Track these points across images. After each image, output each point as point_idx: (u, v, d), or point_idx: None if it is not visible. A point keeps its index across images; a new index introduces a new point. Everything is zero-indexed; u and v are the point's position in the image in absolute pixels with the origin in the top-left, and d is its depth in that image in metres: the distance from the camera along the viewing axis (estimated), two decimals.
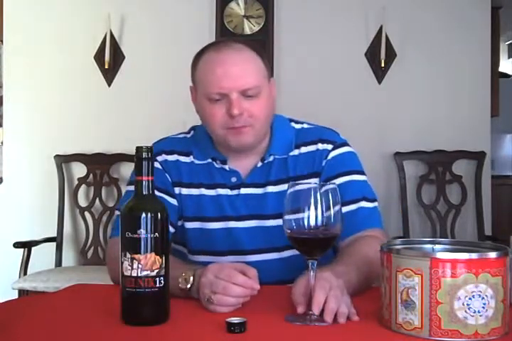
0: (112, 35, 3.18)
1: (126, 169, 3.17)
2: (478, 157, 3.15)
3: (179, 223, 1.44)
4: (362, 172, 1.44)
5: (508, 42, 5.89)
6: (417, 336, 0.89)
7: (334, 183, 1.03)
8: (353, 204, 1.37)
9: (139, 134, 3.10)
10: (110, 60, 3.17)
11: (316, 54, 3.20)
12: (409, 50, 3.17)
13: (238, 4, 3.18)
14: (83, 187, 3.20)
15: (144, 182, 0.99)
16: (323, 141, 1.42)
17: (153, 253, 0.96)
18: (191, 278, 1.12)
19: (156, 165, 1.42)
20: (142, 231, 0.96)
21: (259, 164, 1.41)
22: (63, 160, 3.18)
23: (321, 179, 1.39)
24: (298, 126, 1.47)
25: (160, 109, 3.20)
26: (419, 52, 3.18)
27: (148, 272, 0.96)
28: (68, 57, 3.24)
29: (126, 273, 0.97)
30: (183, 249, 1.48)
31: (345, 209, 1.33)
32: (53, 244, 3.09)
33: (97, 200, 3.17)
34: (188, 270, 1.14)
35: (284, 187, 1.03)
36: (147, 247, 0.96)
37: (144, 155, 0.99)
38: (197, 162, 1.43)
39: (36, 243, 2.98)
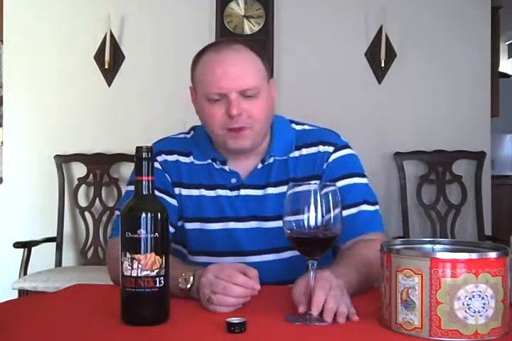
0: (112, 35, 3.18)
1: (126, 169, 3.17)
2: (478, 157, 3.15)
3: (179, 223, 1.44)
4: (363, 175, 1.43)
5: (508, 42, 5.89)
6: (417, 336, 0.89)
7: (335, 185, 1.03)
8: (354, 207, 1.36)
9: (138, 134, 3.10)
10: (110, 60, 3.17)
11: (316, 54, 3.20)
12: (409, 50, 3.17)
13: (238, 4, 3.18)
14: (83, 187, 3.20)
15: (143, 182, 0.99)
16: (324, 143, 1.42)
17: (153, 253, 0.96)
18: (191, 278, 1.12)
19: (156, 165, 1.42)
20: (142, 231, 0.96)
21: (259, 165, 1.40)
22: (63, 160, 3.18)
23: (321, 182, 1.38)
24: (299, 128, 1.46)
25: (160, 109, 3.20)
26: (419, 52, 3.18)
27: (148, 272, 0.96)
28: (68, 57, 3.24)
29: (126, 273, 0.97)
30: (182, 250, 1.47)
31: (346, 212, 1.33)
32: (53, 244, 3.09)
33: (97, 200, 3.17)
34: (188, 270, 1.14)
35: (284, 188, 1.03)
36: (147, 247, 0.96)
37: (144, 155, 0.99)
38: (197, 162, 1.43)
39: (36, 243, 2.98)
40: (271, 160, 1.40)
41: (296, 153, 1.41)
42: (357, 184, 1.40)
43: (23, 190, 3.26)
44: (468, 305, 0.87)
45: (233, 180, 1.40)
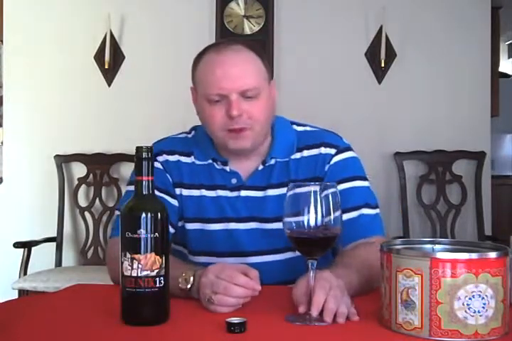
0: (112, 35, 3.18)
1: (126, 169, 3.17)
2: (478, 157, 3.15)
3: (179, 224, 1.43)
4: (364, 178, 1.42)
5: (508, 42, 5.89)
6: (417, 336, 0.89)
7: (334, 185, 1.02)
8: (354, 211, 1.36)
9: (138, 134, 3.10)
10: (110, 60, 3.17)
11: (316, 54, 3.20)
12: (409, 50, 3.17)
13: (238, 4, 3.18)
14: (83, 187, 3.20)
15: (144, 182, 0.99)
16: (326, 145, 1.41)
17: (153, 253, 0.96)
18: (191, 279, 1.12)
19: (157, 165, 1.42)
20: (142, 231, 0.96)
21: (260, 167, 1.40)
22: (63, 160, 3.18)
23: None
24: (300, 129, 1.46)
25: (160, 109, 3.20)
26: (419, 52, 3.18)
27: (148, 272, 0.96)
28: (68, 57, 3.24)
29: (126, 273, 0.97)
30: (183, 250, 1.47)
31: (347, 216, 1.33)
32: (53, 244, 3.09)
33: (97, 200, 3.17)
34: (188, 270, 1.14)
35: (285, 190, 1.03)
36: (147, 247, 0.96)
37: (144, 155, 0.99)
38: (198, 162, 1.43)
39: (36, 243, 2.98)
40: (272, 161, 1.40)
41: (298, 155, 1.41)
42: (358, 187, 1.39)
43: (23, 190, 3.26)
44: (468, 305, 0.87)
45: (234, 181, 1.40)
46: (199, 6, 3.21)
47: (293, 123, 1.47)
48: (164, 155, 1.44)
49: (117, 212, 1.40)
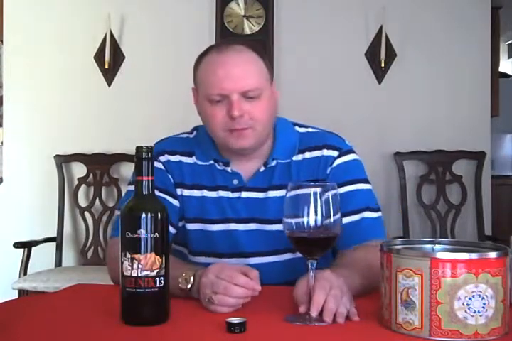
0: (112, 35, 3.18)
1: (126, 169, 3.17)
2: (478, 157, 3.15)
3: (180, 224, 1.43)
4: (367, 181, 1.42)
5: (508, 42, 5.89)
6: (417, 336, 0.89)
7: (334, 185, 1.02)
8: (356, 214, 1.36)
9: (138, 134, 3.10)
10: (110, 60, 3.17)
11: (316, 54, 3.20)
12: (409, 50, 3.17)
13: (238, 4, 3.18)
14: (83, 187, 3.20)
15: (144, 182, 0.99)
16: (328, 147, 1.40)
17: (153, 253, 0.96)
18: (191, 279, 1.12)
19: (159, 165, 1.41)
20: (142, 231, 0.96)
21: (262, 168, 1.39)
22: (63, 160, 3.18)
23: None
24: (302, 130, 1.45)
25: (160, 109, 3.20)
26: (419, 52, 3.18)
27: (148, 272, 0.96)
28: (68, 57, 3.24)
29: (126, 273, 0.97)
30: (183, 250, 1.47)
31: (348, 219, 1.33)
32: (53, 244, 3.09)
33: (97, 200, 3.17)
34: (188, 270, 1.14)
35: (295, 193, 1.02)
36: (147, 247, 0.96)
37: (144, 155, 0.99)
38: (199, 163, 1.42)
39: (36, 243, 2.98)
40: (273, 163, 1.39)
41: (300, 157, 1.40)
42: (360, 190, 1.39)
43: (23, 190, 3.26)
44: (468, 305, 0.87)
45: (235, 182, 1.39)
46: (199, 6, 3.21)
47: (295, 124, 1.47)
48: (166, 155, 1.43)
49: (117, 212, 1.40)
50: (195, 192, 1.41)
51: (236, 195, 1.39)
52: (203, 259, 1.41)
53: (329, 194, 0.99)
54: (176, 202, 1.41)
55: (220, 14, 3.17)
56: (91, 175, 3.18)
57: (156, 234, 0.96)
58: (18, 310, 1.10)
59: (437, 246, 1.02)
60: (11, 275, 2.89)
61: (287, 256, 1.39)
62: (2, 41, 3.33)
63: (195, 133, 1.48)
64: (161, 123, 3.09)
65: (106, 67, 3.17)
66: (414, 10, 3.18)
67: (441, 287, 0.87)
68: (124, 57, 3.23)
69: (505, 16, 4.17)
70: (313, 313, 0.97)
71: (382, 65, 3.12)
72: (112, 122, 3.23)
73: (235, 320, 0.92)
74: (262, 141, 1.37)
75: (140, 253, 0.96)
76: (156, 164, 1.41)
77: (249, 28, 3.18)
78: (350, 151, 1.43)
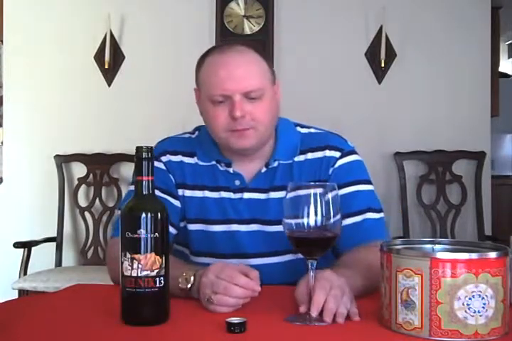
0: (112, 35, 3.18)
1: (126, 169, 3.17)
2: (478, 157, 3.15)
3: (181, 224, 1.43)
4: (369, 182, 1.42)
5: (508, 42, 5.89)
6: (417, 336, 0.89)
7: (334, 185, 1.02)
8: (359, 215, 1.35)
9: (138, 134, 3.10)
10: (110, 60, 3.17)
11: (316, 54, 3.20)
12: (409, 50, 3.17)
13: (238, 4, 3.18)
14: (83, 187, 3.20)
15: (144, 182, 0.99)
16: (330, 148, 1.40)
17: (153, 253, 0.96)
18: (192, 278, 1.12)
19: (160, 165, 1.41)
20: (142, 231, 0.96)
21: (264, 169, 1.39)
22: (63, 160, 3.18)
23: None
24: (304, 131, 1.45)
25: (160, 109, 3.20)
26: (419, 52, 3.18)
27: (148, 272, 0.96)
28: (68, 57, 3.24)
29: (126, 273, 0.97)
30: (184, 250, 1.47)
31: (351, 220, 1.33)
32: (53, 244, 3.09)
33: (97, 200, 3.17)
34: (188, 270, 1.14)
35: (295, 193, 1.02)
36: (147, 247, 0.96)
37: (144, 155, 0.99)
38: (201, 163, 1.42)
39: (36, 243, 2.98)
40: (275, 164, 1.39)
41: (302, 157, 1.40)
42: (362, 191, 1.39)
43: (23, 190, 3.26)
44: (468, 305, 0.87)
45: (237, 182, 1.39)
46: (199, 6, 3.21)
47: (297, 125, 1.46)
48: (168, 156, 1.43)
49: (118, 212, 1.40)
50: (197, 193, 1.41)
51: (238, 195, 1.39)
52: (204, 260, 1.41)
53: (329, 194, 0.99)
54: (177, 203, 1.41)
55: (220, 14, 3.17)
56: (91, 175, 3.18)
57: (156, 234, 0.96)
58: (18, 310, 1.10)
59: (437, 246, 1.02)
60: (11, 275, 2.89)
61: (288, 257, 1.39)
62: (2, 41, 3.33)
63: (197, 133, 1.48)
64: (161, 123, 3.09)
65: (106, 67, 3.17)
66: (414, 10, 3.18)
67: (441, 287, 0.87)
68: (124, 57, 3.23)
69: (505, 16, 4.17)
70: (314, 313, 0.97)
71: (382, 65, 3.12)
72: (112, 122, 3.23)
73: (235, 320, 0.92)
74: (263, 142, 1.36)
75: (140, 253, 0.96)
76: (158, 164, 1.41)
77: (249, 28, 3.18)
78: (353, 152, 1.43)
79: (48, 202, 3.18)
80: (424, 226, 3.16)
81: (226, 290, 1.03)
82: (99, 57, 3.20)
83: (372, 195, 1.41)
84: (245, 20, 3.18)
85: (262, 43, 3.08)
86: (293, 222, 0.99)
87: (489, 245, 0.97)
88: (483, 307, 0.87)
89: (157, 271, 0.96)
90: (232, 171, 1.39)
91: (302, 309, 0.99)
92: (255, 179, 1.39)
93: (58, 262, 3.09)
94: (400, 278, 0.91)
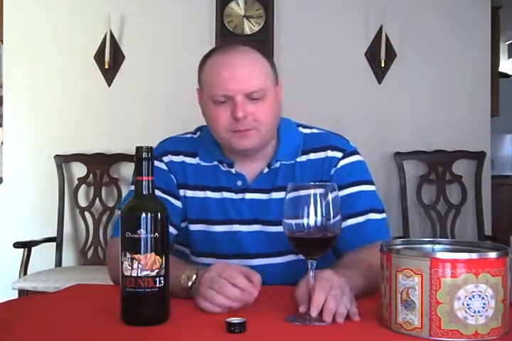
0: (112, 35, 3.18)
1: (127, 169, 3.17)
2: (478, 157, 3.15)
3: (183, 225, 1.43)
4: (371, 182, 1.42)
5: (508, 42, 5.89)
6: (417, 336, 0.89)
7: (334, 186, 1.02)
8: (361, 215, 1.35)
9: (138, 134, 3.11)
10: (110, 60, 3.17)
11: (316, 54, 3.20)
12: (409, 50, 3.17)
13: (238, 4, 3.18)
14: (83, 187, 3.20)
15: (143, 182, 0.99)
16: (332, 148, 1.40)
17: (153, 253, 0.96)
18: (194, 276, 1.12)
19: (162, 165, 1.41)
20: (142, 231, 0.96)
21: (266, 170, 1.39)
22: (63, 160, 3.18)
23: None
24: (306, 131, 1.45)
25: (160, 109, 3.20)
26: (419, 52, 3.18)
27: (148, 272, 0.96)
28: (68, 57, 3.24)
29: (126, 273, 0.97)
30: (185, 250, 1.47)
31: (353, 220, 1.33)
32: (53, 244, 3.09)
33: (97, 200, 3.17)
34: (191, 268, 1.15)
35: (294, 193, 1.02)
36: (147, 247, 0.96)
37: (144, 155, 0.99)
38: (203, 164, 1.42)
39: (36, 243, 2.98)
40: (277, 164, 1.39)
41: (304, 158, 1.40)
42: (365, 191, 1.39)
43: (23, 190, 3.26)
44: (468, 305, 0.87)
45: (239, 183, 1.39)
46: (199, 6, 3.21)
47: (299, 125, 1.46)
48: (169, 156, 1.43)
49: (118, 212, 1.40)
50: (198, 193, 1.41)
51: (240, 196, 1.39)
52: (205, 260, 1.40)
53: (329, 194, 0.99)
54: (178, 203, 1.41)
55: (220, 14, 3.17)
56: (91, 175, 3.18)
57: (156, 234, 0.96)
58: (18, 310, 1.10)
59: (437, 246, 1.02)
60: (11, 275, 2.89)
61: (290, 257, 1.39)
62: (2, 41, 3.33)
63: (199, 133, 1.48)
64: (161, 123, 3.10)
65: (106, 67, 3.17)
66: (414, 10, 3.18)
67: (441, 287, 0.87)
68: (124, 57, 3.23)
69: (505, 16, 4.17)
70: (313, 313, 0.97)
71: (382, 65, 3.12)
72: (112, 122, 3.23)
73: (235, 320, 0.92)
74: (265, 142, 1.36)
75: (140, 253, 0.96)
76: (159, 164, 1.41)
77: (249, 28, 3.18)
78: (355, 152, 1.43)
79: (48, 202, 3.18)
80: (424, 226, 3.16)
81: (221, 289, 1.02)
82: (99, 57, 3.20)
83: (375, 195, 1.41)
84: (245, 20, 3.18)
85: (262, 43, 3.08)
86: (293, 222, 0.99)
87: (489, 245, 0.97)
88: (483, 307, 0.87)
89: (157, 271, 0.96)
90: (234, 171, 1.39)
91: (302, 309, 0.99)
92: (257, 179, 1.39)
93: (58, 262, 3.09)
94: (399, 278, 0.91)
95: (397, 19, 3.15)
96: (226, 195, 1.39)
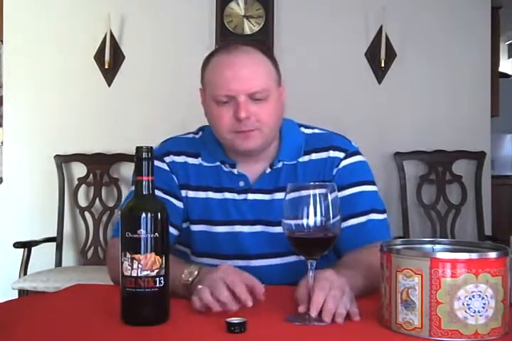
0: (112, 35, 3.18)
1: (127, 169, 3.17)
2: (478, 157, 3.15)
3: (184, 225, 1.43)
4: (373, 183, 1.42)
5: (508, 42, 5.89)
6: (417, 336, 0.89)
7: (333, 186, 1.02)
8: (363, 216, 1.35)
9: (138, 134, 3.10)
10: (110, 60, 3.17)
11: (316, 54, 3.20)
12: (409, 50, 3.17)
13: (238, 4, 3.18)
14: (83, 187, 3.20)
15: (143, 182, 0.99)
16: (335, 149, 1.40)
17: (153, 253, 0.96)
18: (196, 273, 1.12)
19: (163, 166, 1.41)
20: (142, 231, 0.96)
21: (268, 170, 1.39)
22: (63, 160, 3.18)
23: None
24: (308, 131, 1.44)
25: (160, 109, 3.20)
26: (419, 52, 3.18)
27: (148, 272, 0.96)
28: (68, 57, 3.24)
29: (126, 273, 0.97)
30: (185, 250, 1.47)
31: (355, 220, 1.33)
32: (53, 244, 3.09)
33: (97, 200, 3.17)
34: (193, 265, 1.15)
35: (294, 194, 1.02)
36: (147, 247, 0.96)
37: (144, 155, 0.99)
38: (205, 164, 1.41)
39: (36, 243, 2.98)
40: (279, 164, 1.39)
41: (306, 158, 1.40)
42: (366, 192, 1.39)
43: (23, 190, 3.26)
44: (468, 305, 0.87)
45: (241, 184, 1.39)
46: (199, 6, 3.21)
47: (301, 125, 1.46)
48: (171, 156, 1.42)
49: (118, 212, 1.40)
50: (200, 194, 1.40)
51: (242, 196, 1.39)
52: (205, 260, 1.40)
53: (329, 195, 0.99)
54: (179, 204, 1.40)
55: (220, 14, 3.17)
56: (91, 175, 3.18)
57: (156, 234, 0.96)
58: (18, 310, 1.10)
59: (437, 246, 1.03)
60: (11, 275, 2.89)
61: (291, 258, 1.38)
62: (2, 41, 3.33)
63: (201, 133, 1.47)
64: (161, 123, 3.10)
65: (106, 67, 3.17)
66: (414, 10, 3.18)
67: (441, 287, 0.87)
68: (124, 57, 3.23)
69: (505, 16, 4.17)
70: (313, 313, 0.97)
71: (382, 65, 3.12)
72: (112, 122, 3.23)
73: (235, 320, 0.92)
74: (268, 143, 1.36)
75: (140, 253, 0.96)
76: (161, 165, 1.40)
77: (249, 28, 3.18)
78: (357, 153, 1.43)
79: (48, 202, 3.18)
80: (424, 226, 3.16)
81: (213, 288, 1.02)
82: (99, 57, 3.20)
83: (376, 195, 1.41)
84: (245, 20, 3.18)
85: (262, 43, 3.08)
86: (292, 222, 0.99)
87: (489, 245, 0.97)
88: (483, 307, 0.87)
89: (157, 271, 0.96)
90: (236, 172, 1.39)
91: (301, 309, 0.99)
92: (260, 180, 1.39)
93: (58, 262, 3.09)
94: (400, 278, 0.91)
95: (397, 19, 3.15)
96: (228, 195, 1.39)
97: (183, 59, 3.14)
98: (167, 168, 1.41)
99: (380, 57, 3.11)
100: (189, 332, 0.94)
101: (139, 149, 1.00)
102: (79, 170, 3.20)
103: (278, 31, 3.18)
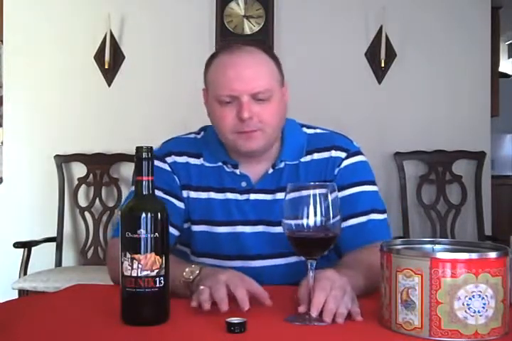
0: (112, 35, 3.18)
1: (127, 169, 3.17)
2: (478, 157, 3.15)
3: (185, 225, 1.42)
4: (373, 183, 1.42)
5: (508, 42, 5.89)
6: (417, 336, 0.89)
7: (333, 184, 1.02)
8: (363, 216, 1.35)
9: (139, 134, 3.10)
10: (110, 60, 3.17)
11: (316, 54, 3.20)
12: (409, 50, 3.17)
13: (238, 4, 3.18)
14: (83, 187, 3.20)
15: (143, 182, 0.99)
16: (336, 148, 1.40)
17: (153, 253, 0.96)
18: (197, 271, 1.12)
19: (165, 166, 1.41)
20: (142, 231, 0.96)
21: (270, 170, 1.38)
22: (63, 160, 3.18)
23: None
24: (310, 131, 1.44)
25: (160, 109, 3.20)
26: (419, 52, 3.18)
27: (148, 272, 0.96)
28: (68, 57, 3.24)
29: (126, 273, 0.97)
30: (185, 250, 1.47)
31: (355, 220, 1.33)
32: (53, 244, 3.09)
33: (97, 200, 3.17)
34: (195, 264, 1.16)
35: (294, 194, 1.02)
36: (147, 247, 0.96)
37: (144, 155, 0.99)
38: (207, 164, 1.41)
39: (36, 243, 2.98)
40: (282, 165, 1.38)
41: (308, 158, 1.40)
42: (367, 192, 1.39)
43: (23, 190, 3.26)
44: (468, 305, 0.87)
45: (243, 184, 1.39)
46: (199, 6, 3.21)
47: (303, 125, 1.46)
48: (173, 156, 1.42)
49: (118, 212, 1.40)
50: (202, 194, 1.40)
51: (244, 197, 1.38)
52: (205, 260, 1.40)
53: (329, 195, 0.99)
54: (180, 204, 1.40)
55: (220, 14, 3.17)
56: (91, 175, 3.18)
57: (156, 234, 0.96)
58: (18, 310, 1.10)
59: (437, 246, 1.03)
60: (11, 275, 2.88)
61: (293, 259, 1.38)
62: (2, 41, 3.33)
63: (202, 133, 1.47)
64: (161, 123, 3.10)
65: (106, 67, 3.17)
66: (414, 10, 3.18)
67: (441, 287, 0.87)
68: (124, 57, 3.23)
69: (505, 16, 4.17)
70: (314, 313, 0.96)
71: (382, 65, 3.12)
72: (112, 122, 3.23)
73: (235, 320, 0.92)
74: (271, 143, 1.36)
75: (140, 253, 0.96)
76: (162, 165, 1.40)
77: (249, 28, 3.18)
78: (358, 153, 1.43)
79: (48, 202, 3.18)
80: (424, 226, 3.16)
81: (213, 290, 1.01)
82: (99, 57, 3.20)
83: (377, 195, 1.41)
84: (245, 20, 3.18)
85: (262, 43, 3.08)
86: (292, 222, 0.99)
87: (489, 245, 0.97)
88: (483, 307, 0.87)
89: (157, 271, 0.96)
90: (238, 172, 1.38)
91: (301, 309, 0.99)
92: (262, 180, 1.39)
93: (58, 262, 3.09)
94: (400, 278, 0.91)
95: (397, 19, 3.15)
96: (230, 196, 1.39)
97: (183, 59, 3.14)
98: (168, 169, 1.41)
99: (380, 57, 3.11)
100: (189, 332, 0.94)
101: (139, 149, 1.00)
102: (79, 170, 3.20)
103: (278, 31, 3.18)
